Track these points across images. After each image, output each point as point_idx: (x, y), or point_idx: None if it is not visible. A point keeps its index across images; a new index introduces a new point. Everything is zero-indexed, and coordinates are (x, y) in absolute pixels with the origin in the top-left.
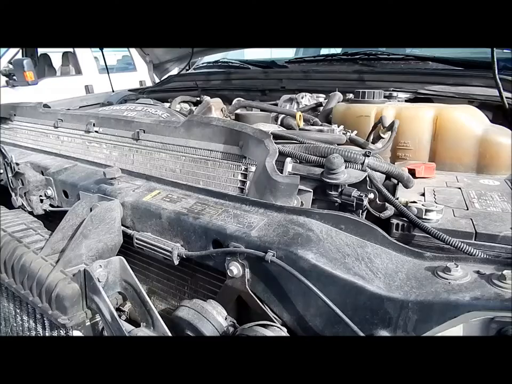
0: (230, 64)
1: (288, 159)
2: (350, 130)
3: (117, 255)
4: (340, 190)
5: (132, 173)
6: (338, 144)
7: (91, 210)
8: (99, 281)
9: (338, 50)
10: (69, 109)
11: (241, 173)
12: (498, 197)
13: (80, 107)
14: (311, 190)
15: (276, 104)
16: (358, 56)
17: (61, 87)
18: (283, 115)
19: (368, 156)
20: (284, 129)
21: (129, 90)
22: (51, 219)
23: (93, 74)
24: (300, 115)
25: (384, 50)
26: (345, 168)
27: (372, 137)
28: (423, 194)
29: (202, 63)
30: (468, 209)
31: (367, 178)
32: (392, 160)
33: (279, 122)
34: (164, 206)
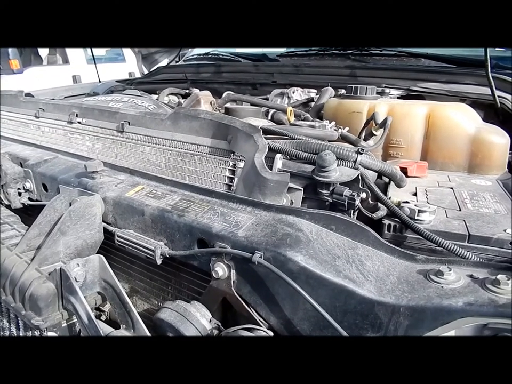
0: (221, 56)
1: (278, 155)
2: (341, 127)
3: (97, 252)
4: (331, 188)
5: (115, 166)
6: (329, 141)
7: (70, 205)
8: (76, 280)
9: None
10: (53, 99)
11: (229, 169)
12: (491, 197)
13: (64, 97)
14: (301, 188)
15: (267, 99)
16: (350, 51)
17: (48, 77)
18: (274, 110)
19: (361, 154)
20: (274, 124)
21: (117, 81)
22: (30, 213)
23: (81, 64)
24: (291, 110)
25: None
26: (337, 165)
27: (363, 134)
28: (415, 194)
29: (192, 55)
30: (460, 210)
31: (360, 177)
32: (384, 158)
33: (269, 117)
34: (147, 202)
